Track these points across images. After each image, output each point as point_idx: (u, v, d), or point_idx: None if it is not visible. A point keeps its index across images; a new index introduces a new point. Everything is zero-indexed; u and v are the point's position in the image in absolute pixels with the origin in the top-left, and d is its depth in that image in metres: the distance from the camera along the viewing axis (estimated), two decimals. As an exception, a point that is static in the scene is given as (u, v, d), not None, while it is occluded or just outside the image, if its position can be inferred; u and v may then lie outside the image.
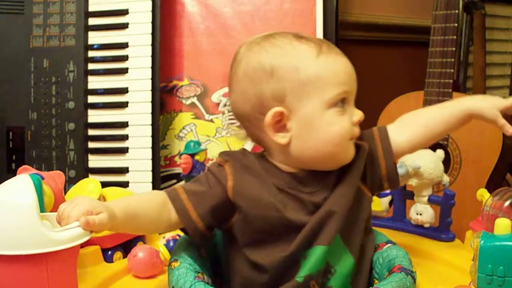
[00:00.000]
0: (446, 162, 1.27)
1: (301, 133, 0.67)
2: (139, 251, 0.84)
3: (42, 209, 0.72)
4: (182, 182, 1.35)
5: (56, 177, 0.85)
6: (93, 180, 0.93)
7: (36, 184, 0.68)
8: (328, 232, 0.66)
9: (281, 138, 0.67)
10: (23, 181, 0.63)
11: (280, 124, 0.67)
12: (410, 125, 0.76)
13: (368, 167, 0.72)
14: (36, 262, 0.59)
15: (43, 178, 0.77)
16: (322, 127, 0.66)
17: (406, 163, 0.93)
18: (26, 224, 0.59)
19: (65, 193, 0.91)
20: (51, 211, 0.78)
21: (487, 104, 0.74)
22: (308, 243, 0.66)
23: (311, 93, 0.65)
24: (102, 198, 0.91)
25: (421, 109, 0.80)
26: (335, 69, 0.67)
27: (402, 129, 0.75)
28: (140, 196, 0.75)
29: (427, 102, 1.38)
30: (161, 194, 0.70)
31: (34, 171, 0.81)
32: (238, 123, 0.75)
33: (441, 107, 0.79)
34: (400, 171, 0.93)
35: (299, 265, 0.66)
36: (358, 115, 0.69)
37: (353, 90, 0.69)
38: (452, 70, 1.35)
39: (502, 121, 0.73)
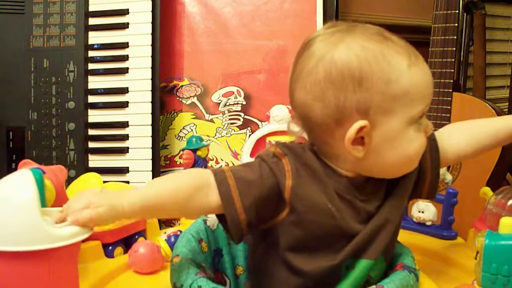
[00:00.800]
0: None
1: (379, 148, 0.61)
2: (140, 247, 0.83)
3: (44, 204, 0.71)
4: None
5: (57, 171, 0.84)
6: (95, 175, 0.92)
7: (37, 178, 0.67)
8: (378, 245, 0.64)
9: (358, 152, 0.61)
10: (24, 176, 0.63)
11: (359, 136, 0.61)
12: (459, 138, 0.74)
13: (416, 177, 0.70)
14: (37, 258, 0.59)
15: (44, 173, 0.77)
16: (402, 144, 0.61)
17: None
18: (27, 219, 0.58)
19: (66, 188, 0.90)
20: (52, 206, 0.78)
21: None
22: (356, 254, 0.63)
23: (399, 108, 0.60)
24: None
25: (471, 120, 0.78)
26: (423, 82, 0.61)
27: (450, 140, 0.73)
28: (169, 180, 0.66)
29: (427, 102, 1.38)
30: (199, 175, 0.63)
31: (36, 165, 0.81)
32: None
33: (491, 121, 0.77)
34: None
35: (340, 274, 0.63)
36: (431, 127, 0.65)
37: (429, 104, 0.64)
38: (452, 70, 1.35)
39: None
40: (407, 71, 0.60)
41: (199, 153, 1.06)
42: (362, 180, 0.65)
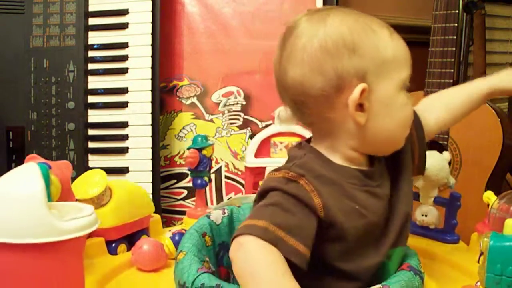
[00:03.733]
0: (446, 162, 1.27)
1: (378, 113, 0.64)
2: (144, 244, 0.83)
3: (49, 198, 0.71)
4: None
5: (63, 167, 0.84)
6: (99, 172, 0.92)
7: (44, 173, 0.68)
8: (407, 232, 0.67)
9: (360, 117, 0.63)
10: (31, 170, 0.63)
11: (360, 102, 0.63)
12: (436, 107, 0.78)
13: None
14: (44, 251, 0.59)
15: (50, 167, 0.77)
16: (397, 108, 0.64)
17: None
18: (34, 213, 0.59)
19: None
20: (58, 201, 0.78)
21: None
22: (395, 243, 0.65)
23: (390, 72, 0.64)
24: (108, 189, 0.91)
25: (444, 90, 0.83)
26: (405, 49, 0.66)
27: (429, 113, 0.77)
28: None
29: (427, 102, 1.38)
30: (271, 257, 0.55)
31: (42, 160, 0.81)
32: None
33: (463, 87, 0.81)
34: None
35: (384, 266, 0.64)
36: (412, 99, 0.68)
37: None
38: (452, 70, 1.35)
39: None
40: (390, 40, 0.65)
41: (204, 152, 1.06)
42: (368, 168, 0.67)
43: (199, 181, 1.07)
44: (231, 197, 1.42)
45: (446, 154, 0.98)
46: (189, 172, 1.10)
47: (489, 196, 0.90)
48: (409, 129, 0.68)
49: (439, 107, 0.79)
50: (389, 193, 0.67)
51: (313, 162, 0.64)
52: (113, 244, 0.89)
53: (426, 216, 0.96)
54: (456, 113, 0.79)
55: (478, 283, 0.65)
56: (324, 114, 0.64)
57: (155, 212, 1.02)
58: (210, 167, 1.09)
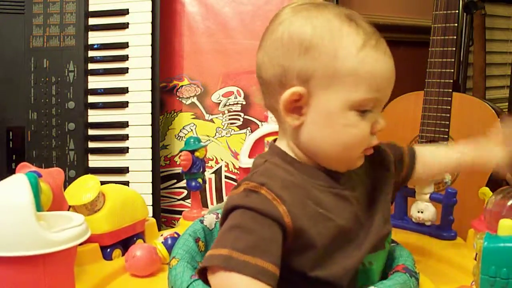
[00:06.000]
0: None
1: (314, 122, 0.61)
2: (137, 250, 0.83)
3: (39, 207, 0.71)
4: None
5: (55, 174, 0.84)
6: (92, 177, 0.92)
7: (33, 182, 0.67)
8: (388, 231, 0.67)
9: (292, 120, 0.61)
10: (19, 181, 0.63)
11: (296, 104, 0.61)
12: (431, 165, 0.78)
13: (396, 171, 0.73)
14: (32, 263, 0.59)
15: (40, 176, 0.76)
16: (339, 125, 0.60)
17: None
18: (22, 225, 0.58)
19: (64, 190, 0.90)
20: (49, 209, 0.78)
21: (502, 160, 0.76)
22: (375, 248, 0.64)
23: (339, 86, 0.59)
24: (101, 195, 0.91)
25: (444, 149, 0.83)
26: (375, 70, 0.60)
27: (423, 165, 0.77)
28: None
29: (427, 102, 1.38)
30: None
31: (33, 168, 0.81)
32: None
33: (462, 154, 0.79)
34: None
35: (365, 270, 0.63)
36: (381, 124, 0.62)
37: (386, 98, 0.63)
38: (452, 70, 1.35)
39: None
40: (356, 54, 0.59)
41: (197, 154, 1.06)
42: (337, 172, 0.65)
43: (193, 183, 1.07)
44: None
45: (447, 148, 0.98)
46: (183, 175, 1.10)
47: (485, 192, 0.90)
48: (357, 155, 0.63)
49: (434, 168, 0.80)
50: (365, 198, 0.65)
51: (275, 167, 0.62)
52: (108, 250, 0.89)
53: (422, 212, 0.96)
54: (444, 173, 0.83)
55: (473, 283, 0.65)
56: (272, 104, 0.64)
57: (154, 212, 1.02)
58: (204, 169, 1.09)
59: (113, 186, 0.97)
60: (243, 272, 0.53)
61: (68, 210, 0.86)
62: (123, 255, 0.90)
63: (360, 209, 0.65)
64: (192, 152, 1.05)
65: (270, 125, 1.25)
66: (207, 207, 1.41)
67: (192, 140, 1.07)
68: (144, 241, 0.97)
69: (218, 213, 0.77)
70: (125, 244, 0.92)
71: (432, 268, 0.83)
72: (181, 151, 1.07)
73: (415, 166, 0.76)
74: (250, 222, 0.56)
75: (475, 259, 0.64)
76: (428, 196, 0.96)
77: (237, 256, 0.54)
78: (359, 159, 0.64)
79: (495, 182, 1.31)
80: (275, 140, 0.69)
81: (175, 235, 0.88)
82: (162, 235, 0.90)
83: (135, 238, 0.95)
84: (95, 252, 0.87)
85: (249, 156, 1.25)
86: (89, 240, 0.82)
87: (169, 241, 0.87)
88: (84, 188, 0.90)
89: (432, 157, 0.79)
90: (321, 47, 0.59)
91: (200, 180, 1.07)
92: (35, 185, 0.72)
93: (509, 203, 0.81)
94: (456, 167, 0.82)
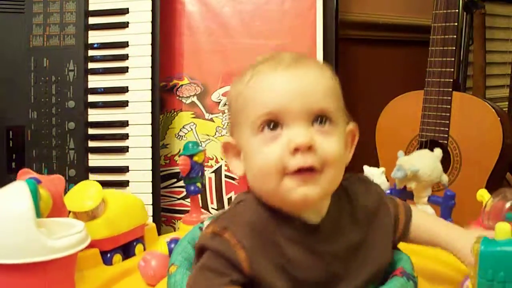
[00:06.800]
0: (446, 161, 1.27)
1: (246, 162, 0.60)
2: (152, 259, 0.81)
3: (38, 214, 0.71)
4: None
5: (55, 181, 0.84)
6: (94, 184, 0.91)
7: (32, 189, 0.67)
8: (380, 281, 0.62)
9: (234, 168, 0.63)
10: (19, 189, 0.63)
11: (233, 152, 0.62)
12: (422, 233, 0.71)
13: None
14: (33, 271, 0.58)
15: (39, 182, 0.76)
16: (250, 157, 0.59)
17: (404, 166, 0.93)
18: (23, 232, 0.58)
19: (65, 194, 0.90)
20: (50, 215, 0.78)
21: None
22: None
23: (242, 119, 0.59)
24: (102, 201, 0.90)
25: (437, 223, 0.75)
26: (260, 88, 0.58)
27: (416, 230, 0.71)
28: None
29: (427, 102, 1.38)
30: None
31: (34, 174, 0.81)
32: None
33: (447, 235, 0.71)
34: (398, 174, 0.92)
35: None
36: (295, 141, 0.55)
37: (290, 109, 0.56)
38: (452, 69, 1.36)
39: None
40: (246, 84, 0.60)
41: (195, 158, 1.05)
42: (319, 218, 0.60)
43: (192, 188, 1.06)
44: (230, 197, 1.42)
45: (438, 152, 0.97)
46: (182, 180, 1.10)
47: (483, 194, 0.90)
48: (277, 181, 0.56)
49: (423, 237, 0.71)
50: (350, 251, 0.61)
51: (245, 210, 0.61)
52: (108, 255, 0.89)
53: None
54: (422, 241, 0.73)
55: (467, 282, 0.64)
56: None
57: (154, 211, 1.02)
58: (203, 173, 1.09)
59: (113, 192, 0.97)
60: None
61: (68, 215, 0.86)
62: (123, 260, 0.90)
63: (339, 263, 0.60)
64: (191, 156, 1.04)
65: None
66: (207, 207, 1.41)
67: (190, 145, 1.07)
68: (144, 246, 0.97)
69: None
70: (125, 249, 0.92)
71: (430, 270, 0.83)
72: (179, 155, 1.06)
73: (410, 226, 0.70)
74: (216, 264, 0.56)
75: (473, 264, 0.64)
76: (426, 199, 0.96)
77: None
78: (293, 188, 0.56)
79: (494, 183, 1.31)
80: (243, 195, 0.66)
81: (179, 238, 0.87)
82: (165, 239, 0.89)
83: (135, 243, 0.95)
84: (95, 257, 0.87)
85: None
86: (89, 245, 0.82)
87: (173, 245, 0.85)
88: (86, 194, 0.89)
89: (423, 225, 0.72)
90: (230, 97, 0.64)
91: (199, 184, 1.06)
92: (35, 191, 0.72)
93: (507, 206, 0.81)
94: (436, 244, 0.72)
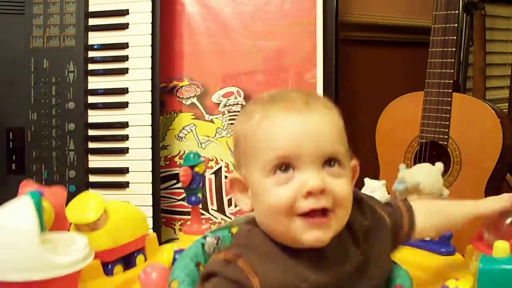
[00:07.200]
0: (446, 163, 1.27)
1: (254, 200, 0.62)
2: (153, 272, 0.81)
3: (42, 227, 0.71)
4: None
5: (57, 193, 0.83)
6: (96, 196, 0.91)
7: (36, 202, 0.67)
8: None
9: (242, 204, 0.64)
10: (24, 205, 0.63)
11: (239, 189, 0.64)
12: (433, 219, 0.74)
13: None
14: (38, 287, 0.58)
15: (43, 195, 0.76)
16: (260, 197, 0.60)
17: (405, 179, 0.92)
18: (28, 249, 0.58)
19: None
20: (52, 227, 0.77)
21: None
22: None
23: (252, 161, 0.61)
24: (104, 213, 0.90)
25: (447, 203, 0.80)
26: (272, 133, 0.59)
27: (425, 219, 0.73)
28: None
29: (427, 103, 1.38)
30: None
31: (35, 186, 0.80)
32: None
33: (463, 207, 0.77)
34: (399, 187, 0.92)
35: None
36: (308, 184, 0.57)
37: (303, 153, 0.58)
38: (452, 71, 1.35)
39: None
40: (257, 125, 0.61)
41: (196, 169, 1.05)
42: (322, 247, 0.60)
43: (193, 198, 1.06)
44: (230, 198, 1.41)
45: (439, 165, 0.97)
46: (183, 190, 1.09)
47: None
48: (287, 223, 0.58)
49: (437, 222, 0.75)
50: (354, 272, 0.62)
51: (257, 237, 0.62)
52: (109, 266, 0.89)
53: None
54: (448, 229, 0.81)
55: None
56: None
57: (154, 213, 1.02)
58: (204, 184, 1.09)
59: (114, 203, 0.96)
60: None
61: (69, 227, 0.85)
62: (124, 271, 0.90)
63: (347, 284, 0.62)
64: (192, 167, 1.05)
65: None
66: (207, 208, 1.41)
67: (191, 156, 1.06)
68: (145, 257, 0.97)
69: (219, 237, 0.77)
70: (126, 259, 0.92)
71: (430, 285, 0.83)
72: (180, 166, 1.07)
73: (414, 221, 0.72)
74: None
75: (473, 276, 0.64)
76: None
77: None
78: (305, 230, 0.58)
79: (494, 185, 1.31)
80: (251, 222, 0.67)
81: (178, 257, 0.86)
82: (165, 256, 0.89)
83: (136, 254, 0.95)
84: (97, 268, 0.87)
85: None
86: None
87: (177, 256, 0.85)
88: (87, 206, 0.88)
89: (430, 210, 0.75)
90: (238, 136, 0.64)
91: (199, 194, 1.07)
92: (38, 204, 0.72)
93: (508, 221, 0.81)
94: (457, 223, 0.77)
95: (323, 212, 0.58)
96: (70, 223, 0.86)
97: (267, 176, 0.59)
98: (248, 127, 0.61)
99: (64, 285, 0.61)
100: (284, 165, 0.58)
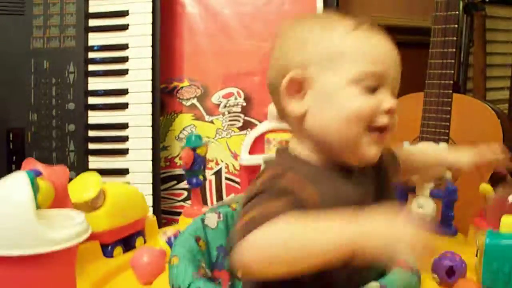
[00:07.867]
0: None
1: (318, 106, 0.61)
2: (144, 255, 0.81)
3: (37, 206, 0.71)
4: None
5: (59, 172, 0.83)
6: (93, 174, 0.92)
7: (30, 180, 0.67)
8: None
9: (294, 105, 0.62)
10: (19, 179, 0.63)
11: (298, 92, 0.62)
12: (413, 161, 0.84)
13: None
14: (33, 263, 0.58)
15: (40, 174, 0.76)
16: (340, 101, 0.60)
17: None
18: (22, 223, 0.58)
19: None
20: (53, 207, 0.78)
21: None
22: None
23: (337, 65, 0.61)
24: (102, 192, 0.90)
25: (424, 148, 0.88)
26: (368, 45, 0.62)
27: (404, 162, 0.79)
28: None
29: (427, 104, 1.38)
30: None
31: (39, 165, 0.80)
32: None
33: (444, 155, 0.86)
34: None
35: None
36: (390, 102, 0.61)
37: (389, 76, 0.63)
38: (452, 71, 1.35)
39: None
40: (348, 33, 0.62)
41: (198, 151, 1.06)
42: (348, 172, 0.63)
43: (194, 180, 1.07)
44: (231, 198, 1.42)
45: (443, 145, 0.98)
46: (184, 172, 1.10)
47: (486, 188, 0.90)
48: (362, 134, 0.61)
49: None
50: (373, 189, 0.66)
51: (298, 160, 0.64)
52: (109, 247, 0.89)
53: (422, 208, 0.96)
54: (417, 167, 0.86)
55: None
56: (280, 106, 0.65)
57: (155, 214, 1.02)
58: (205, 166, 1.09)
59: (113, 184, 0.97)
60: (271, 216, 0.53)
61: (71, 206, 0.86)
62: (124, 252, 0.90)
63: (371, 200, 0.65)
64: (194, 149, 1.05)
65: (271, 123, 1.25)
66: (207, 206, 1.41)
67: (193, 138, 1.07)
68: (145, 239, 0.97)
69: (219, 213, 0.77)
70: (126, 241, 0.92)
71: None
72: (182, 148, 1.07)
73: (399, 166, 0.77)
74: (283, 201, 0.56)
75: (476, 256, 0.64)
76: (428, 191, 0.96)
77: (266, 211, 0.54)
78: (369, 145, 0.61)
79: (494, 186, 1.31)
80: (283, 149, 0.68)
81: (178, 234, 0.87)
82: (165, 233, 0.89)
83: (135, 236, 0.95)
84: (96, 250, 0.87)
85: (250, 153, 1.26)
86: (89, 238, 0.82)
87: (173, 239, 0.86)
88: (85, 185, 0.89)
89: (411, 154, 0.84)
90: (314, 39, 0.62)
91: (201, 177, 1.07)
92: (32, 184, 0.72)
93: (510, 200, 0.81)
94: (433, 162, 0.85)
95: (386, 130, 0.62)
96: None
97: (352, 85, 0.60)
98: (331, 35, 0.62)
99: (60, 261, 0.61)
100: (375, 79, 0.61)
